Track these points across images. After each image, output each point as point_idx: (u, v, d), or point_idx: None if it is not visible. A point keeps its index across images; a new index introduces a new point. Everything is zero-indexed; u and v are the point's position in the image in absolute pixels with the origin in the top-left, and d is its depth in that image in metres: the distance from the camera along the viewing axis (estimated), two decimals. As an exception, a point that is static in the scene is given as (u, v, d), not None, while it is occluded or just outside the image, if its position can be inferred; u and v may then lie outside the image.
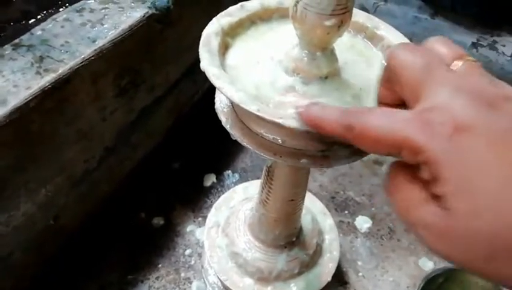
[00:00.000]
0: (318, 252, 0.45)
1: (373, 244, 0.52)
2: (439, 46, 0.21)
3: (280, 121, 0.23)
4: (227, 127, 0.30)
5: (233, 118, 0.30)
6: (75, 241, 0.47)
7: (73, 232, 0.46)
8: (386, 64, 0.22)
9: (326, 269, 0.44)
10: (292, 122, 0.23)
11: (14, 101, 0.34)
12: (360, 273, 0.49)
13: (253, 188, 0.50)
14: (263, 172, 0.38)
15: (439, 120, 0.17)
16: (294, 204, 0.39)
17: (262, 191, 0.39)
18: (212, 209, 0.48)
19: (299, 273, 0.43)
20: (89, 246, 0.48)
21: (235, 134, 0.29)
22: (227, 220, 0.46)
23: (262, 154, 0.28)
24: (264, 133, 0.28)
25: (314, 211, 0.48)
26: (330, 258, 0.45)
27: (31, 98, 0.35)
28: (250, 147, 0.29)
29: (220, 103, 0.31)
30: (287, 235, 0.42)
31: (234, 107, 0.30)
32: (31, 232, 0.40)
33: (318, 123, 0.22)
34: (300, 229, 0.44)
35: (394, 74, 0.21)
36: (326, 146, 0.28)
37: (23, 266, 0.41)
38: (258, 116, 0.23)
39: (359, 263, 0.50)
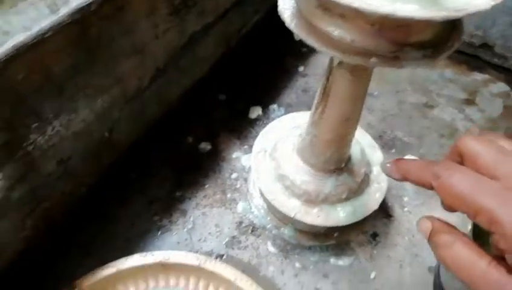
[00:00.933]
0: (366, 181, 0.44)
1: (420, 182, 0.51)
2: (498, 139, 0.24)
3: (356, 4, 0.22)
4: (292, 26, 0.29)
5: (298, 16, 0.29)
6: (126, 158, 0.48)
7: (125, 149, 0.47)
8: (455, 149, 0.24)
9: (373, 198, 0.44)
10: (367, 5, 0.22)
11: (76, 1, 0.34)
12: (406, 209, 0.49)
13: (300, 118, 0.49)
14: (318, 90, 0.37)
15: None
16: (348, 125, 0.38)
17: (315, 111, 0.38)
18: (259, 136, 0.48)
19: (346, 198, 0.43)
20: (139, 163, 0.49)
21: (300, 33, 0.28)
22: (274, 146, 0.46)
23: (329, 52, 0.27)
24: (332, 32, 0.27)
25: (363, 143, 0.47)
26: (378, 189, 0.45)
27: (92, 0, 0.35)
28: (315, 46, 0.28)
29: (284, 4, 0.30)
30: (337, 160, 0.42)
31: (300, 4, 0.29)
32: (89, 141, 0.42)
33: (406, 169, 0.26)
34: (350, 157, 0.44)
35: (468, 159, 0.23)
36: (398, 47, 0.26)
37: (81, 173, 0.43)
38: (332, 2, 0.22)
39: (405, 198, 0.49)
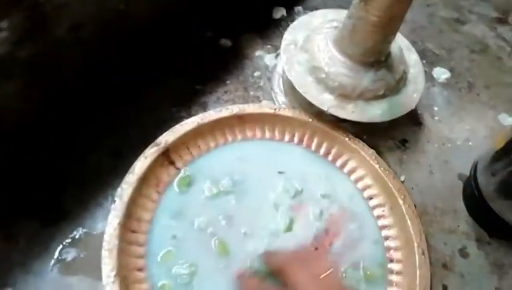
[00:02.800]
0: (403, 80, 0.42)
1: (451, 94, 0.49)
2: None
3: None
4: None
5: None
6: (141, 41, 0.44)
7: (141, 30, 0.43)
8: None
9: (410, 97, 0.41)
10: None
11: None
12: (436, 118, 0.46)
13: (333, 14, 0.45)
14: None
15: None
16: (400, 4, 0.34)
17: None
18: (289, 29, 0.44)
19: (383, 95, 0.40)
20: (155, 50, 0.45)
21: None
22: (307, 38, 0.42)
23: None
24: None
25: (400, 44, 0.43)
26: (415, 89, 0.42)
27: None
28: None
29: None
30: (379, 51, 0.38)
31: None
32: (103, 10, 0.37)
33: None
34: (389, 53, 0.40)
35: None
36: None
37: (94, 45, 0.38)
38: None
39: (435, 108, 0.47)
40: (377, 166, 0.39)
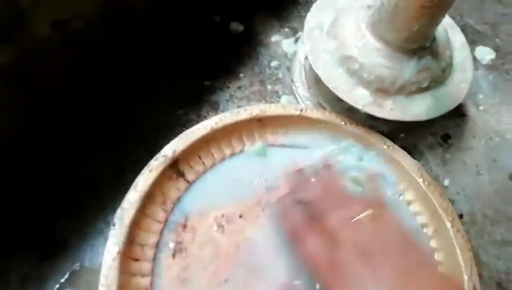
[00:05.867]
0: (449, 67, 0.35)
1: (497, 78, 0.42)
2: None
3: None
4: None
5: None
6: (143, 33, 0.37)
7: (142, 19, 0.37)
8: None
9: (457, 88, 0.35)
10: None
11: None
12: (481, 108, 0.40)
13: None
14: None
15: None
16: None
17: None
18: (312, 9, 0.37)
19: (427, 88, 0.34)
20: (157, 44, 0.39)
21: None
22: (334, 20, 0.36)
23: None
24: None
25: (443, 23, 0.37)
26: (462, 78, 0.36)
27: None
28: None
29: None
30: (424, 36, 0.32)
31: None
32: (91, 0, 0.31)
33: None
34: (434, 37, 0.34)
35: None
36: None
37: (87, 45, 0.32)
38: None
39: (480, 96, 0.41)
40: (420, 180, 0.33)
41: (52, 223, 0.30)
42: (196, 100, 0.37)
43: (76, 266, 0.29)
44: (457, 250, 0.31)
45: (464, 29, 0.45)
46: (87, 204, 0.31)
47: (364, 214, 0.32)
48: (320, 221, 0.31)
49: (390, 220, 0.32)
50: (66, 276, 0.28)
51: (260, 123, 0.34)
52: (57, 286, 0.28)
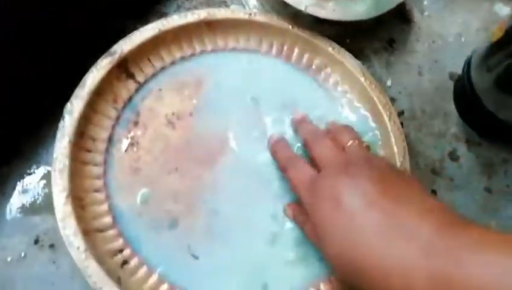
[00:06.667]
0: (390, -33, 0.36)
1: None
2: None
3: None
4: None
5: None
6: None
7: None
8: None
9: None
10: None
11: None
12: (426, 13, 0.42)
13: None
14: None
15: None
16: None
17: None
18: None
19: (367, -13, 0.35)
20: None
21: None
22: None
23: None
24: None
25: None
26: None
27: None
28: None
29: None
30: None
31: None
32: None
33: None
34: None
35: None
36: None
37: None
38: None
39: (425, 2, 0.42)
40: (362, 79, 0.35)
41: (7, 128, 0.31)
42: (144, 12, 0.37)
43: (33, 167, 0.30)
44: (393, 140, 0.33)
45: None
46: (37, 105, 0.32)
47: None
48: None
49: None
50: (26, 178, 0.30)
51: (210, 27, 0.35)
52: (19, 185, 0.30)
